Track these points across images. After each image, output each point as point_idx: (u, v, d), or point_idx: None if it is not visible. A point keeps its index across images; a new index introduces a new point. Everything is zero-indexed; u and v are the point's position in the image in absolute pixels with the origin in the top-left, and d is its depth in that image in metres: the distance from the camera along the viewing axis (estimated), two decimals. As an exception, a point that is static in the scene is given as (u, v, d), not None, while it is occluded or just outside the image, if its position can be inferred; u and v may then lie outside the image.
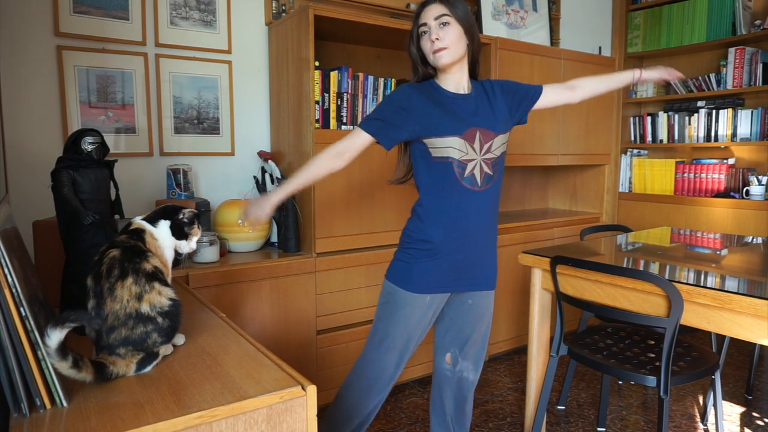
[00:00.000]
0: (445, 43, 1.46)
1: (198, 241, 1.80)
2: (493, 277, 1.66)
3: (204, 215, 2.28)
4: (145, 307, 0.98)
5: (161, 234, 1.09)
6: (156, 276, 1.02)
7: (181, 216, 1.12)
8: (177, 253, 1.12)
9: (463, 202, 1.51)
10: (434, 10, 1.47)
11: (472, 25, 1.52)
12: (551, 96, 1.64)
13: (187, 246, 1.13)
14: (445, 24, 1.47)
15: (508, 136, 1.58)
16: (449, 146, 1.47)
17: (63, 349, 0.84)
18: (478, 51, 1.57)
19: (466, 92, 1.55)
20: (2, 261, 0.81)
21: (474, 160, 1.49)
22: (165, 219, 1.10)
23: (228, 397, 0.87)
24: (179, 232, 1.11)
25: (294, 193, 1.55)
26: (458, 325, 1.67)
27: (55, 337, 0.82)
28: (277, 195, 1.51)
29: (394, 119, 1.49)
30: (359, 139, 1.51)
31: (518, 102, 1.60)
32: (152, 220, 1.10)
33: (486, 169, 1.51)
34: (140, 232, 1.06)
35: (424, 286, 1.57)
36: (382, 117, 1.51)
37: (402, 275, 1.58)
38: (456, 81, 1.54)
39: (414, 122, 1.49)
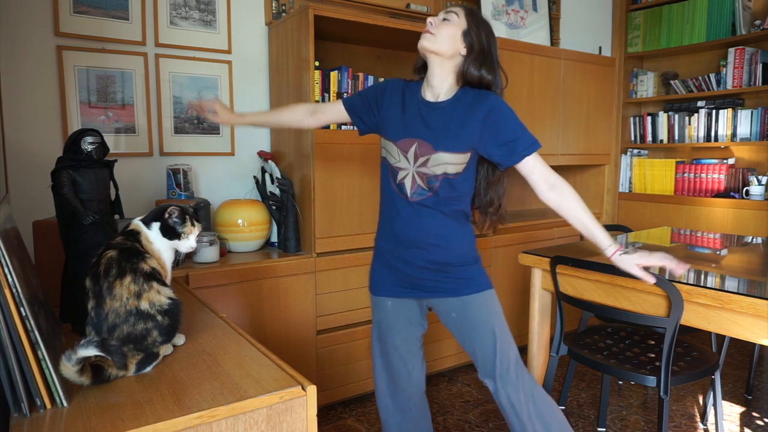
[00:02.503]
0: (434, 30, 1.42)
1: (198, 241, 1.80)
2: (458, 285, 1.50)
3: (203, 214, 2.28)
4: (144, 305, 0.98)
5: (155, 237, 1.07)
6: (154, 276, 1.01)
7: (167, 216, 1.07)
8: (177, 253, 1.12)
9: (395, 208, 1.49)
10: (450, 7, 1.48)
11: (481, 49, 1.43)
12: (530, 177, 1.47)
13: (185, 245, 1.09)
14: (446, 20, 1.44)
15: (465, 159, 1.43)
16: (387, 149, 1.49)
17: (81, 359, 0.86)
18: (476, 69, 1.43)
19: (441, 100, 1.45)
20: (2, 261, 0.81)
21: (406, 169, 1.45)
22: (156, 221, 1.07)
23: (228, 397, 0.87)
24: (171, 232, 1.07)
25: (254, 124, 1.73)
26: (462, 342, 1.55)
27: (83, 353, 0.85)
28: (239, 118, 1.66)
29: (369, 105, 1.55)
30: (337, 107, 1.60)
31: (492, 145, 1.42)
32: (147, 221, 1.08)
33: (419, 182, 1.43)
34: (136, 234, 1.06)
35: (378, 288, 1.59)
36: (363, 97, 1.56)
37: (370, 276, 1.64)
38: (435, 85, 1.46)
39: (377, 116, 1.54)
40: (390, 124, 1.49)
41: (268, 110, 1.60)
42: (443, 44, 1.41)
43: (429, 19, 1.45)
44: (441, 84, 1.46)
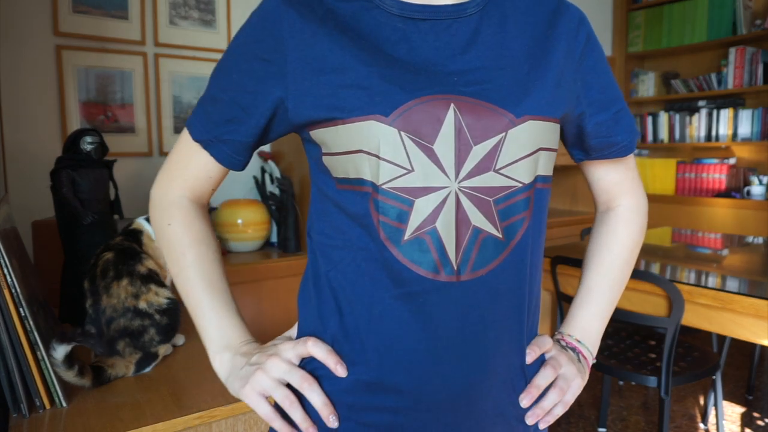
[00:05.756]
0: None
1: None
2: None
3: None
4: (142, 305, 0.98)
5: None
6: (151, 278, 1.01)
7: None
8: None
9: (395, 309, 0.58)
10: None
11: None
12: (600, 184, 0.75)
13: None
14: None
15: (557, 134, 0.63)
16: (359, 148, 0.57)
17: (70, 360, 0.85)
18: None
19: (456, 1, 0.60)
20: (2, 261, 0.81)
21: (438, 190, 0.56)
22: None
23: (227, 397, 0.86)
24: None
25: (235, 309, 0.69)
26: None
27: (62, 350, 0.83)
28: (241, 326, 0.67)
29: (235, 102, 0.63)
30: (208, 169, 0.68)
31: (591, 110, 0.67)
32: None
33: (479, 219, 0.57)
34: (137, 233, 1.06)
35: None
36: (210, 101, 0.65)
37: None
38: None
39: (281, 95, 0.61)
40: (331, 83, 0.57)
41: (209, 280, 0.67)
42: None
43: None
44: None
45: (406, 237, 0.57)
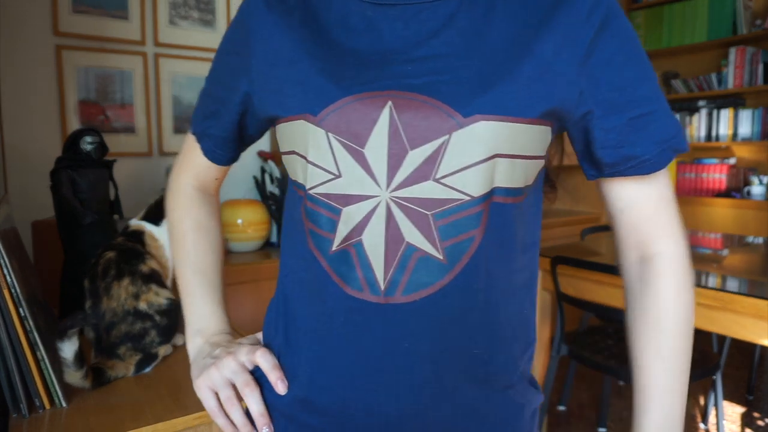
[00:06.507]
0: None
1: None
2: None
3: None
4: (142, 306, 0.98)
5: (163, 234, 1.07)
6: (153, 278, 1.01)
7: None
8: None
9: (341, 330, 0.53)
10: None
11: None
12: (629, 213, 0.59)
13: None
14: None
15: (544, 138, 0.53)
16: (292, 149, 0.56)
17: (80, 360, 0.85)
18: None
19: None
20: (2, 261, 0.80)
21: (367, 199, 0.50)
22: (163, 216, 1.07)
23: (227, 397, 0.86)
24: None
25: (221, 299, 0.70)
26: None
27: (68, 349, 0.83)
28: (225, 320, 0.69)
29: (216, 95, 0.65)
30: (209, 164, 0.70)
31: (606, 114, 0.53)
32: (153, 219, 1.08)
33: (414, 236, 0.50)
34: (139, 234, 1.06)
35: None
36: (204, 94, 0.68)
37: None
38: None
39: (248, 89, 0.61)
40: (278, 80, 0.56)
41: (205, 271, 0.68)
42: None
43: None
44: None
45: (333, 248, 0.52)
